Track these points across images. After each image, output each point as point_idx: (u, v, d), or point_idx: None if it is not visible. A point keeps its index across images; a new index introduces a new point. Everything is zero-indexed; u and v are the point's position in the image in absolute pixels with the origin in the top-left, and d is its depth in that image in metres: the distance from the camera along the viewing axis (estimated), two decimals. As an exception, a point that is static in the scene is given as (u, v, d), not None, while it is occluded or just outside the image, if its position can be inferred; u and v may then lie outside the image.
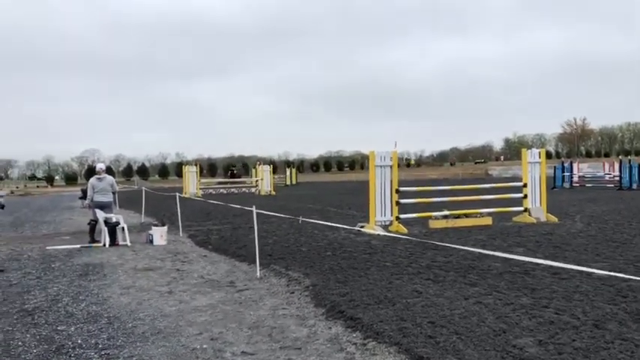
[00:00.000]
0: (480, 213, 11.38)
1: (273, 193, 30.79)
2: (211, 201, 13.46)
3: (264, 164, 34.01)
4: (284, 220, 11.76)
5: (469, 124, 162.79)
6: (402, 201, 10.73)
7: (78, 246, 9.70)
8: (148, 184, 56.48)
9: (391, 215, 10.41)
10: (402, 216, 10.56)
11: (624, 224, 10.67)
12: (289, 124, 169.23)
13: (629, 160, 27.86)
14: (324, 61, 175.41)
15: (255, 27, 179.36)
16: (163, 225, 10.34)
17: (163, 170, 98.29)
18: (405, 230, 10.09)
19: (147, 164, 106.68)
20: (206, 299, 5.51)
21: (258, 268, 6.69)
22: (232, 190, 32.25)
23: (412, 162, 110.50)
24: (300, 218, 7.24)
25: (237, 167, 52.41)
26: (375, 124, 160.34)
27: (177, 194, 12.67)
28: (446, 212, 11.15)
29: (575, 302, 4.70)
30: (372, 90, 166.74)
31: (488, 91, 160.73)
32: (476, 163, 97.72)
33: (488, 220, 11.17)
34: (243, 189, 32.50)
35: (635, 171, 25.07)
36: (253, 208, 6.96)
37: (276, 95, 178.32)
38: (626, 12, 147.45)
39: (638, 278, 3.69)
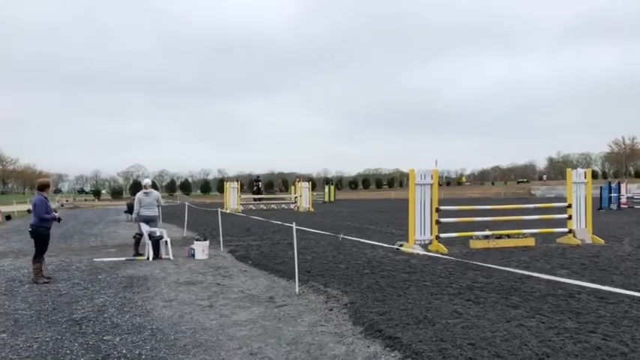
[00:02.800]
0: (523, 233, 11.09)
1: (312, 209, 30.93)
2: (252, 216, 13.65)
3: (303, 181, 34.24)
4: (322, 237, 11.80)
5: (512, 143, 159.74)
6: (443, 220, 10.60)
7: (123, 258, 10.02)
8: (190, 199, 57.74)
9: (431, 234, 10.29)
10: (442, 235, 10.42)
11: (678, 248, 10.16)
12: (329, 143, 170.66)
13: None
14: (367, 80, 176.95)
15: (299, 49, 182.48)
16: (205, 239, 10.57)
17: (205, 186, 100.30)
18: (445, 250, 9.95)
19: (190, 180, 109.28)
20: (246, 314, 5.60)
21: (297, 284, 6.75)
22: (272, 206, 32.58)
23: (464, 179, 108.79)
24: (341, 235, 7.26)
25: (262, 181, 48.43)
26: (416, 142, 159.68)
27: (219, 209, 12.93)
28: (487, 232, 10.93)
29: (623, 328, 4.52)
30: (413, 109, 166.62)
31: (532, 111, 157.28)
32: (518, 182, 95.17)
33: (531, 241, 10.87)
34: (283, 205, 32.78)
35: (687, 193, 23.86)
36: (293, 225, 7.04)
37: (318, 114, 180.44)
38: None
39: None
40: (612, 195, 27.53)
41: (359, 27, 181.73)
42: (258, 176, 25.13)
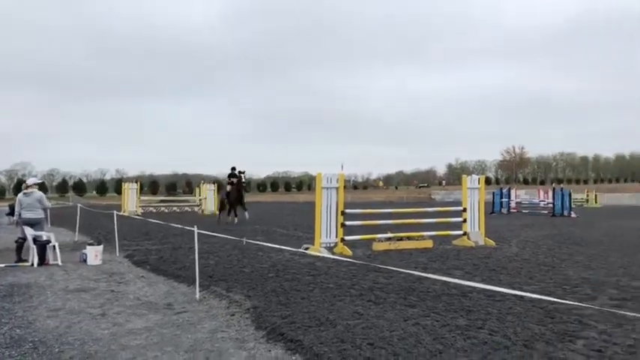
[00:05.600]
0: (422, 236, 11.64)
1: (217, 212, 30.27)
2: (152, 220, 13.04)
3: (208, 183, 33.40)
4: (227, 241, 11.56)
5: (415, 149, 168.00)
6: (348, 223, 10.83)
7: (2, 265, 9.10)
8: (85, 201, 54.07)
9: (336, 237, 10.46)
10: (347, 238, 10.64)
11: (555, 249, 11.21)
12: (238, 145, 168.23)
13: (562, 188, 29.42)
14: (278, 85, 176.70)
15: (209, 50, 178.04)
16: (99, 244, 9.90)
17: (102, 186, 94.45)
18: (350, 252, 10.16)
19: (84, 180, 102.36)
20: (142, 322, 5.29)
21: (197, 289, 6.51)
22: (174, 209, 31.43)
23: (380, 183, 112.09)
24: (245, 239, 7.13)
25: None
26: (325, 147, 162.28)
27: (115, 212, 12.20)
28: (389, 235, 11.34)
29: (507, 323, 4.86)
30: (324, 114, 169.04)
31: (435, 120, 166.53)
32: (419, 187, 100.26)
33: (430, 243, 11.44)
34: (186, 208, 31.75)
35: (567, 198, 26.48)
36: (195, 228, 6.80)
37: (227, 116, 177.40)
38: (565, 55, 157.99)
39: (562, 301, 3.87)
40: (503, 200, 29.81)
41: (274, 31, 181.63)
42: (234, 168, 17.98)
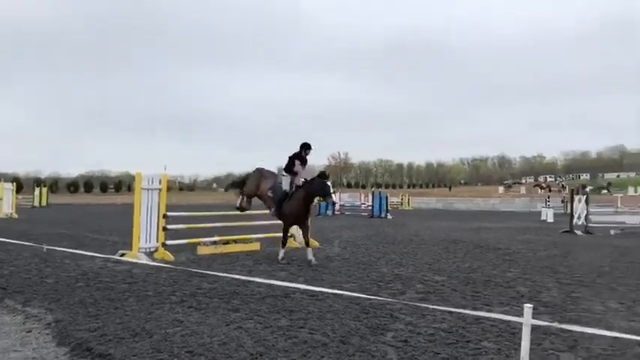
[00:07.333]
0: (250, 239, 11.63)
1: (16, 215, 26.41)
2: None
3: (4, 181, 28.99)
4: (26, 248, 10.11)
5: (246, 151, 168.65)
6: (171, 227, 10.30)
7: None
8: None
9: (157, 242, 9.86)
10: (170, 242, 10.11)
11: (372, 248, 12.14)
12: (43, 138, 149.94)
13: (379, 192, 32.23)
14: (90, 76, 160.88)
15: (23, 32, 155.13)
16: None
17: None
18: (172, 257, 9.66)
19: None
20: None
21: (-17, 305, 5.52)
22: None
23: (215, 185, 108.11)
24: (45, 246, 6.25)
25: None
26: (149, 145, 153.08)
27: None
28: (216, 238, 11.09)
29: (327, 321, 5.06)
30: (150, 112, 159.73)
31: (269, 123, 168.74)
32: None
33: (257, 246, 11.49)
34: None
35: (384, 201, 29.09)
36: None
37: (33, 108, 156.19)
38: (387, 72, 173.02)
39: (376, 297, 4.14)
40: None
41: (117, 25, 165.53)
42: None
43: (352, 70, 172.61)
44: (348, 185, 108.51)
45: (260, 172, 10.17)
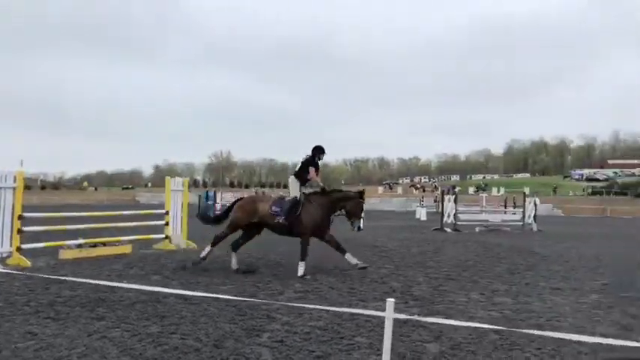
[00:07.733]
0: (120, 241, 10.89)
1: None
2: None
3: None
4: None
5: (120, 148, 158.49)
6: (27, 229, 9.27)
7: None
8: None
9: (11, 246, 8.81)
10: (26, 246, 9.09)
11: (252, 250, 11.97)
12: None
13: (263, 192, 32.15)
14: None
15: None
16: None
17: None
18: (29, 263, 8.70)
19: None
20: None
21: None
22: None
23: (86, 184, 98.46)
24: None
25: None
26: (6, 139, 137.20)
27: None
28: (81, 241, 10.20)
29: (200, 325, 4.86)
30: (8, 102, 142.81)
31: (144, 119, 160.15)
32: (123, 189, 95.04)
33: (128, 249, 10.78)
34: None
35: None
36: None
37: None
38: (275, 73, 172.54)
39: (252, 299, 4.05)
40: (209, 202, 30.75)
41: None
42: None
43: (237, 70, 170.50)
44: (232, 185, 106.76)
45: (252, 199, 9.08)
